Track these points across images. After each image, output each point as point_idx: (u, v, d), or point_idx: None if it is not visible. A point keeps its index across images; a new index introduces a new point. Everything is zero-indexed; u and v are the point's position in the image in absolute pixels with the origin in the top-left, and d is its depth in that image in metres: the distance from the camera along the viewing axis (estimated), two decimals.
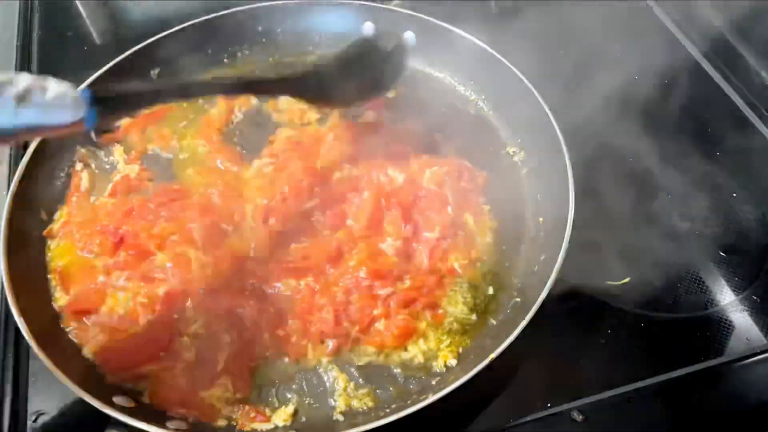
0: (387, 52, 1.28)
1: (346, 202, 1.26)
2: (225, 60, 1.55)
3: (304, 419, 1.03)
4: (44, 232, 1.20)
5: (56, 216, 1.24)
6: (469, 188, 1.31)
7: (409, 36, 1.55)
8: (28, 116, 0.80)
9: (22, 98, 0.79)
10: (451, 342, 1.11)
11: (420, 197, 1.27)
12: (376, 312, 1.11)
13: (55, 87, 0.82)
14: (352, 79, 1.23)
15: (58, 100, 0.82)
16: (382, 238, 1.20)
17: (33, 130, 0.83)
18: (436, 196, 1.27)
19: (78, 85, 0.87)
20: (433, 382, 1.06)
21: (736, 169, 1.44)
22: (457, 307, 1.15)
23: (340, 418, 1.03)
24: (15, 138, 0.90)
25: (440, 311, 1.14)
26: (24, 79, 0.80)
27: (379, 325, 1.10)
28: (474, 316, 1.15)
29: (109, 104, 0.89)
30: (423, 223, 1.23)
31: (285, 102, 1.47)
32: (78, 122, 0.84)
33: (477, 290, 1.18)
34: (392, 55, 1.29)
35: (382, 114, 1.44)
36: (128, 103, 0.97)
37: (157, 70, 1.46)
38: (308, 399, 1.06)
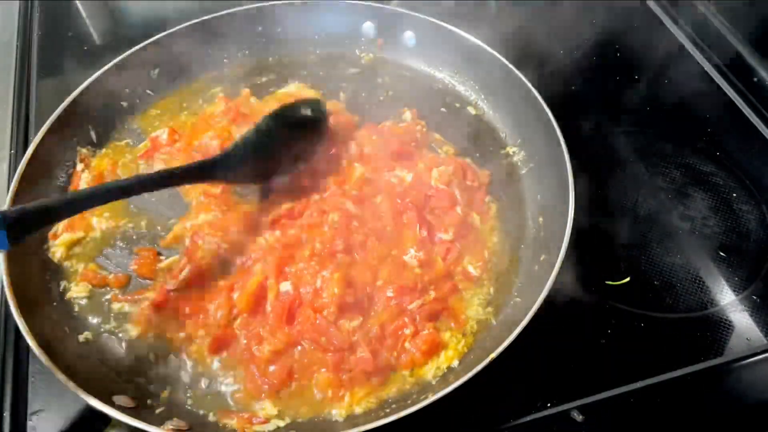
0: (304, 121, 1.28)
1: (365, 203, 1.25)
2: (225, 60, 1.55)
3: (304, 419, 1.03)
4: (49, 234, 1.20)
5: None
6: (475, 186, 1.31)
7: (409, 36, 1.56)
8: None
9: None
10: (464, 343, 1.11)
11: (429, 197, 1.28)
12: (407, 331, 1.09)
13: None
14: (271, 153, 1.23)
15: None
16: (403, 249, 1.19)
17: None
18: (445, 195, 1.27)
19: None
20: (434, 382, 1.07)
21: (736, 169, 1.44)
22: (474, 309, 1.16)
23: (340, 418, 1.03)
24: None
25: (462, 317, 1.14)
26: None
27: (408, 344, 1.09)
28: (490, 309, 1.15)
29: (21, 226, 0.88)
30: (436, 224, 1.23)
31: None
32: None
33: (487, 289, 1.19)
34: (309, 124, 1.29)
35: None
36: (43, 220, 0.95)
37: (157, 70, 1.46)
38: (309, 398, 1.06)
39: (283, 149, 1.25)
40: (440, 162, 1.32)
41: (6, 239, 0.86)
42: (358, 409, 1.03)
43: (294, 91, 1.49)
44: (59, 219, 1.09)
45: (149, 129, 1.41)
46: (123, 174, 1.33)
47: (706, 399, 1.11)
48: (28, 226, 0.91)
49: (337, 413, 1.03)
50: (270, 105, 1.43)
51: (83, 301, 1.14)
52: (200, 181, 1.20)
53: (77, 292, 1.15)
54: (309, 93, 1.49)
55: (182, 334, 1.10)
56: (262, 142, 1.21)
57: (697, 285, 1.25)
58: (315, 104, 1.33)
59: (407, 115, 1.45)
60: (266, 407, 1.03)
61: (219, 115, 1.41)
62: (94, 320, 1.12)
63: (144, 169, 1.34)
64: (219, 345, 1.08)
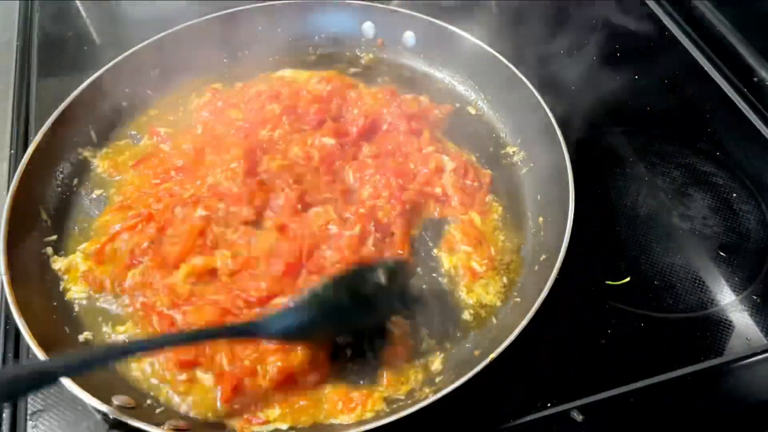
0: (381, 287, 1.03)
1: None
2: (225, 60, 1.55)
3: (306, 425, 1.02)
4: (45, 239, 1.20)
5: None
6: (476, 186, 1.32)
7: (409, 36, 1.56)
8: None
9: None
10: None
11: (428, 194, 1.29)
12: None
13: None
14: (343, 318, 1.04)
15: None
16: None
17: None
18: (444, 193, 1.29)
19: None
20: (437, 380, 1.06)
21: (736, 169, 1.44)
22: (489, 298, 1.18)
23: (348, 420, 1.02)
24: None
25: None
26: None
27: None
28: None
29: (12, 390, 0.81)
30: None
31: None
32: None
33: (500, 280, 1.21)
34: (387, 290, 1.04)
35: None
36: (39, 384, 0.85)
37: (157, 70, 1.46)
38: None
39: (347, 320, 1.05)
40: (444, 161, 1.33)
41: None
42: (368, 415, 1.02)
43: (287, 75, 1.50)
44: (61, 378, 0.92)
45: (149, 129, 1.40)
46: (123, 173, 1.33)
47: (706, 399, 1.11)
48: (21, 389, 0.84)
49: (340, 422, 1.02)
50: (258, 85, 1.45)
51: (83, 302, 1.14)
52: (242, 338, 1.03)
53: (77, 292, 1.15)
54: (303, 75, 1.49)
55: None
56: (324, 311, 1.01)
57: (697, 285, 1.25)
58: (392, 267, 1.08)
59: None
60: (268, 414, 1.02)
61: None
62: (94, 320, 1.12)
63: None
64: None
